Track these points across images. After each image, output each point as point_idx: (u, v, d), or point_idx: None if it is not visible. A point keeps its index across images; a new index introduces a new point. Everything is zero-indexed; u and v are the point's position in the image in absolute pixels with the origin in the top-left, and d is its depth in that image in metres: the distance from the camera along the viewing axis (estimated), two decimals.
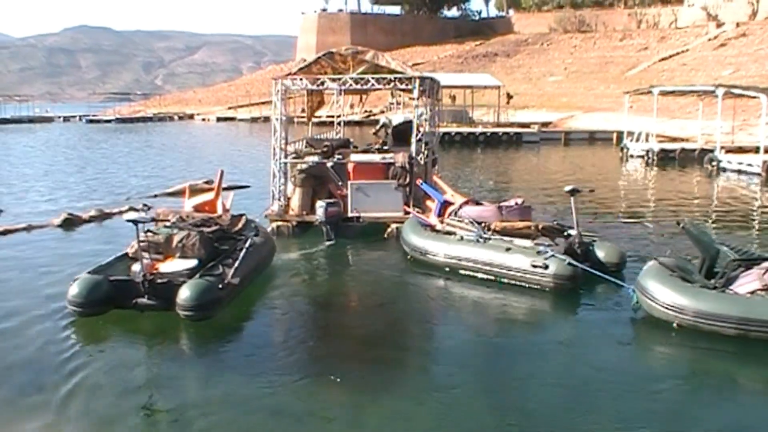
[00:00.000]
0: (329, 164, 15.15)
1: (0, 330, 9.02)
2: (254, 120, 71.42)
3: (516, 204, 12.16)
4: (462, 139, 42.41)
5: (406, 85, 15.36)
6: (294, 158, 15.49)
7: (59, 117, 78.67)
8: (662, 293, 8.76)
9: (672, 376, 7.82)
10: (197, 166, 29.22)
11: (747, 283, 8.62)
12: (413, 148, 15.07)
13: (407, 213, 13.62)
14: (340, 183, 14.98)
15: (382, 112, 49.63)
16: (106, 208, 17.86)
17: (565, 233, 11.40)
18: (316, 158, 15.34)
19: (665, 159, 30.95)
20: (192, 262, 9.64)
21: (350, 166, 14.95)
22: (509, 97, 51.06)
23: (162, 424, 6.72)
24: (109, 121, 73.16)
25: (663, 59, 65.06)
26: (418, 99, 15.30)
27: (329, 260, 13.10)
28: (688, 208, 19.67)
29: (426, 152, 15.61)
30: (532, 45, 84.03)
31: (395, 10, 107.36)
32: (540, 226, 11.45)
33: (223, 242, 10.65)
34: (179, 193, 20.15)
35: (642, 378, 7.63)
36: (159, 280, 9.13)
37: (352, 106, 62.88)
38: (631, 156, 32.81)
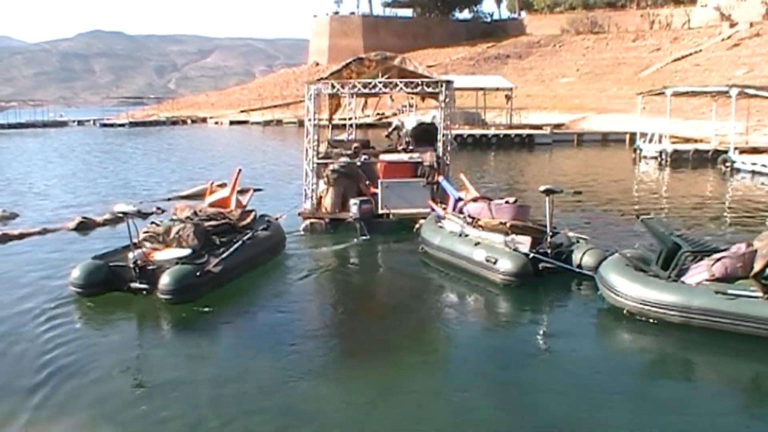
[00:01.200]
0: (358, 163, 16.01)
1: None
2: (267, 123, 71.55)
3: (506, 202, 12.49)
4: (474, 141, 42.30)
5: (433, 89, 16.40)
6: (323, 158, 16.26)
7: (73, 121, 79.08)
8: (617, 282, 9.33)
9: (624, 364, 8.30)
10: (211, 170, 29.34)
11: (697, 273, 9.06)
12: (440, 147, 16.12)
13: (433, 209, 14.18)
14: (368, 182, 15.72)
15: (395, 114, 49.55)
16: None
17: (549, 233, 11.59)
18: (346, 158, 16.13)
19: (678, 160, 30.79)
20: (185, 251, 10.58)
21: (380, 166, 15.83)
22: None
23: (135, 401, 7.21)
24: (122, 125, 73.43)
25: (676, 60, 64.69)
26: (444, 102, 16.17)
27: (351, 255, 13.79)
28: (701, 208, 19.60)
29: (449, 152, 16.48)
30: (544, 46, 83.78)
31: (407, 12, 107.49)
32: (509, 224, 11.71)
33: (227, 235, 11.63)
34: (193, 197, 20.40)
35: (591, 367, 8.02)
36: (149, 267, 10.15)
37: (363, 109, 62.94)
38: (644, 157, 32.68)
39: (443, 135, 16.21)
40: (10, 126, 69.34)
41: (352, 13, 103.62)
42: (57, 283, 10.99)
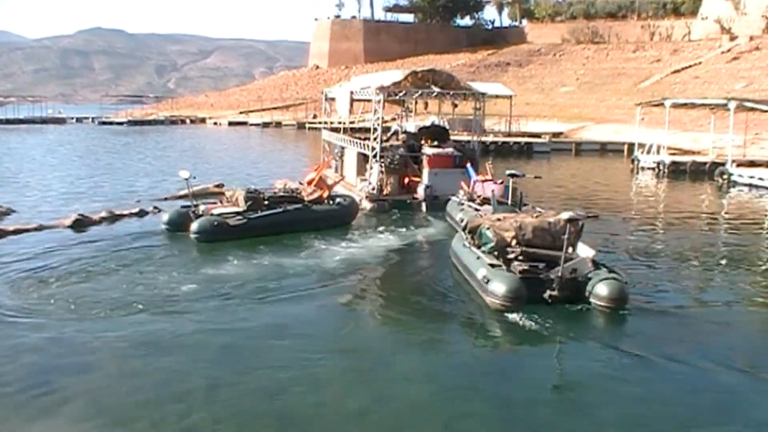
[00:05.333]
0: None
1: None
2: (266, 125, 71.28)
3: (496, 183, 17.02)
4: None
5: (472, 98, 21.74)
6: (383, 151, 20.03)
7: (72, 118, 78.80)
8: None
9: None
10: (213, 170, 29.32)
11: None
12: (476, 146, 21.66)
13: (462, 188, 18.18)
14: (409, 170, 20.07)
15: (393, 119, 49.52)
16: (116, 209, 17.95)
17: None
18: (402, 150, 20.44)
19: (676, 171, 30.81)
20: (232, 209, 15.49)
21: (427, 157, 19.88)
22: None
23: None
24: (121, 124, 73.18)
25: (675, 71, 64.73)
26: (482, 109, 21.81)
27: (406, 229, 17.02)
28: (694, 218, 19.63)
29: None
30: (544, 55, 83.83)
31: (408, 18, 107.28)
32: (482, 198, 16.32)
33: (291, 204, 16.13)
34: (188, 196, 20.48)
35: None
36: (203, 215, 15.21)
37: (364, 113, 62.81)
38: (642, 168, 32.68)
39: (474, 138, 22.13)
40: (8, 122, 69.19)
41: (354, 17, 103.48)
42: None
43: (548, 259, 10.91)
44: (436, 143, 20.84)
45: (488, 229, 11.53)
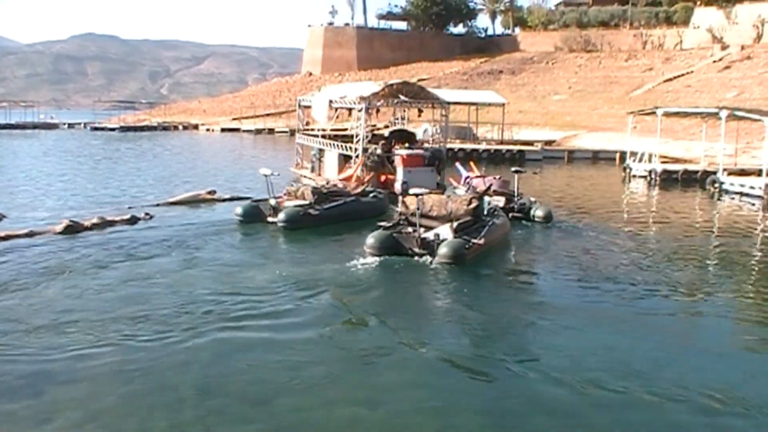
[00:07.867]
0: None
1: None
2: (259, 132, 71.15)
3: (494, 178, 20.28)
4: (465, 156, 42.19)
5: (440, 107, 26.49)
6: (367, 151, 22.96)
7: (64, 124, 78.55)
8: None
9: None
10: (202, 176, 29.28)
11: None
12: (443, 148, 25.26)
13: (452, 183, 21.16)
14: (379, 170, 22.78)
15: (386, 126, 49.57)
16: (108, 216, 17.89)
17: (515, 197, 19.73)
18: (380, 151, 22.97)
19: (668, 180, 30.91)
20: (303, 202, 18.00)
21: (401, 157, 22.39)
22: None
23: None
24: (113, 129, 72.88)
25: (668, 80, 64.95)
26: (446, 116, 26.79)
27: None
28: (684, 225, 19.69)
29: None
30: (537, 63, 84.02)
31: (401, 25, 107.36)
32: (493, 190, 18.97)
33: (342, 197, 18.80)
34: (181, 203, 20.55)
35: None
36: (279, 208, 17.66)
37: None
38: (634, 176, 32.79)
39: (441, 143, 26.27)
40: (0, 126, 68.98)
41: (347, 25, 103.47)
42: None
43: (426, 226, 14.59)
44: (406, 145, 23.79)
45: (401, 203, 15.62)
